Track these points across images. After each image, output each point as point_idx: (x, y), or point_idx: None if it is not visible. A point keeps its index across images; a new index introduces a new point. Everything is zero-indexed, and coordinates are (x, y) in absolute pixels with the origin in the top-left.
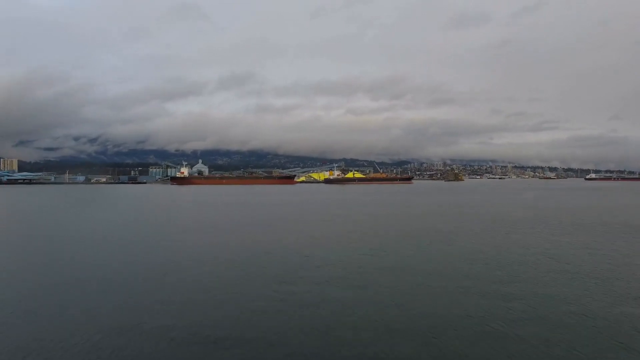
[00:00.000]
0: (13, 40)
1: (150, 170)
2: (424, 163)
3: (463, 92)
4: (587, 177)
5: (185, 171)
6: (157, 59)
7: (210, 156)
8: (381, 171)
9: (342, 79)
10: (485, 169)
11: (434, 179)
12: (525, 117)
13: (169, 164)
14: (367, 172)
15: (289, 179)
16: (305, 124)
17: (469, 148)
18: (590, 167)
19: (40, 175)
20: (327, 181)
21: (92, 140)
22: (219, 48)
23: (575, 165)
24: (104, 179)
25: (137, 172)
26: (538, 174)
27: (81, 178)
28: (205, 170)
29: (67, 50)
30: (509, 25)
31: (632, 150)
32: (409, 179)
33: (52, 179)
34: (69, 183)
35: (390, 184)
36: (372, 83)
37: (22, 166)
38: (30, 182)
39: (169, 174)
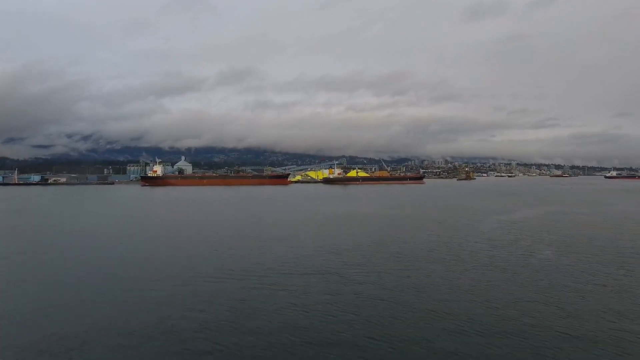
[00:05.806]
0: (7, 34)
1: (128, 168)
2: (424, 160)
3: (467, 88)
4: (608, 175)
5: (158, 169)
6: (155, 54)
7: (206, 154)
8: (388, 169)
9: (345, 75)
10: (489, 167)
11: (441, 177)
12: (527, 114)
13: (147, 162)
14: (372, 170)
15: (282, 179)
16: (304, 121)
17: (468, 145)
18: (594, 164)
19: None
20: (327, 181)
21: (86, 138)
22: (220, 42)
23: (577, 163)
24: (63, 179)
25: (110, 171)
26: (546, 172)
27: (36, 177)
28: (189, 168)
29: (62, 45)
30: (520, 19)
31: (635, 147)
32: (420, 178)
33: (1, 179)
34: (18, 184)
35: (400, 184)
36: (375, 79)
37: (10, 164)
38: None
39: (146, 173)
